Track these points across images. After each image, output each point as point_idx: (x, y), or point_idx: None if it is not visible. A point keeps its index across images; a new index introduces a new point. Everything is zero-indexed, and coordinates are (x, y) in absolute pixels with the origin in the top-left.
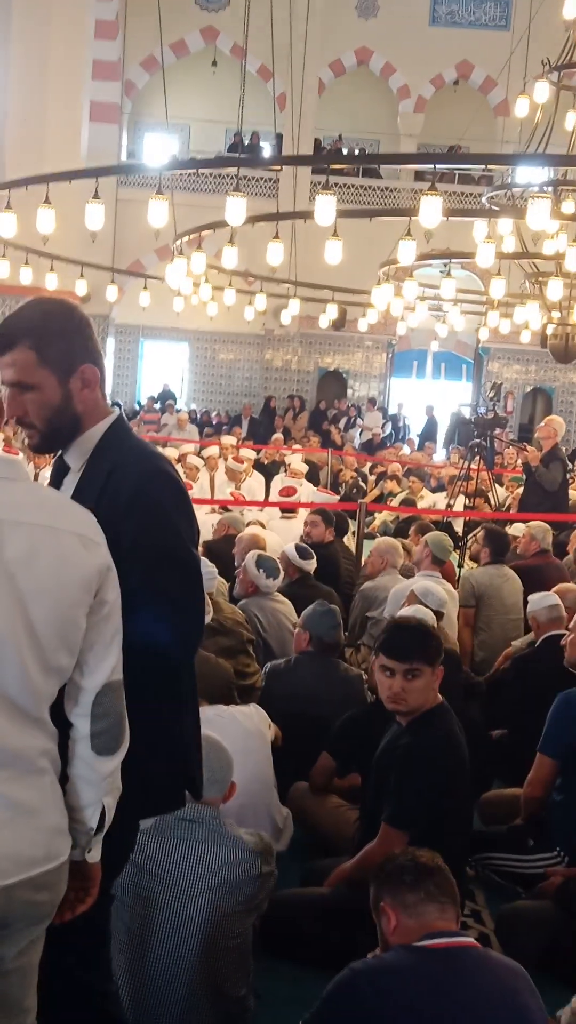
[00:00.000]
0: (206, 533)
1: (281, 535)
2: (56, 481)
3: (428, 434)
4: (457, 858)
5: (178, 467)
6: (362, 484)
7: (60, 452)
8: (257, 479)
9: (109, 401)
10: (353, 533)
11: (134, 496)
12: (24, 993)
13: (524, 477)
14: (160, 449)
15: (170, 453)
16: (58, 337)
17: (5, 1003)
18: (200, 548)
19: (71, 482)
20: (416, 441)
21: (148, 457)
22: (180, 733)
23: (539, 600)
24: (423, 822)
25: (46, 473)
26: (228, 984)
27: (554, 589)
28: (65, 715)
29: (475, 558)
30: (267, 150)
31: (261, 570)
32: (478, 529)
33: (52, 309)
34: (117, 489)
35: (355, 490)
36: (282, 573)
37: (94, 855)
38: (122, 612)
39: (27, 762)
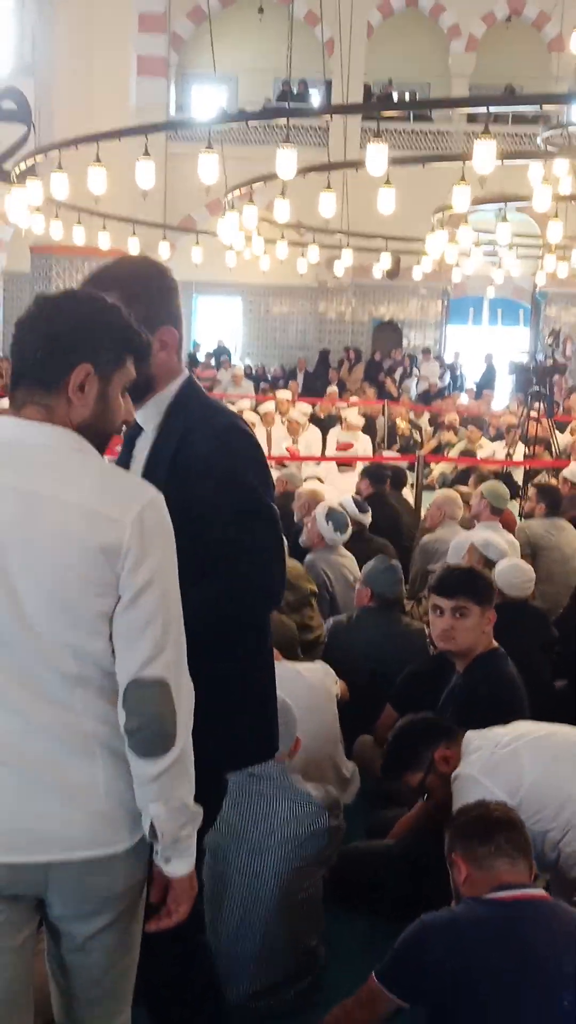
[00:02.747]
0: None
1: (338, 489)
2: (130, 442)
3: (487, 382)
4: None
5: None
6: (416, 436)
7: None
8: (314, 433)
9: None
10: (411, 486)
11: (210, 453)
12: (105, 975)
13: None
14: None
15: None
16: (142, 298)
17: (87, 979)
18: None
19: (145, 443)
20: (475, 390)
21: (220, 413)
22: (264, 685)
23: None
24: None
25: None
26: (300, 936)
27: None
28: None
29: (529, 515)
30: (316, 97)
31: (330, 523)
32: (530, 485)
33: (140, 270)
34: (192, 447)
35: (412, 442)
36: (350, 528)
37: (171, 868)
38: (204, 567)
39: (61, 742)
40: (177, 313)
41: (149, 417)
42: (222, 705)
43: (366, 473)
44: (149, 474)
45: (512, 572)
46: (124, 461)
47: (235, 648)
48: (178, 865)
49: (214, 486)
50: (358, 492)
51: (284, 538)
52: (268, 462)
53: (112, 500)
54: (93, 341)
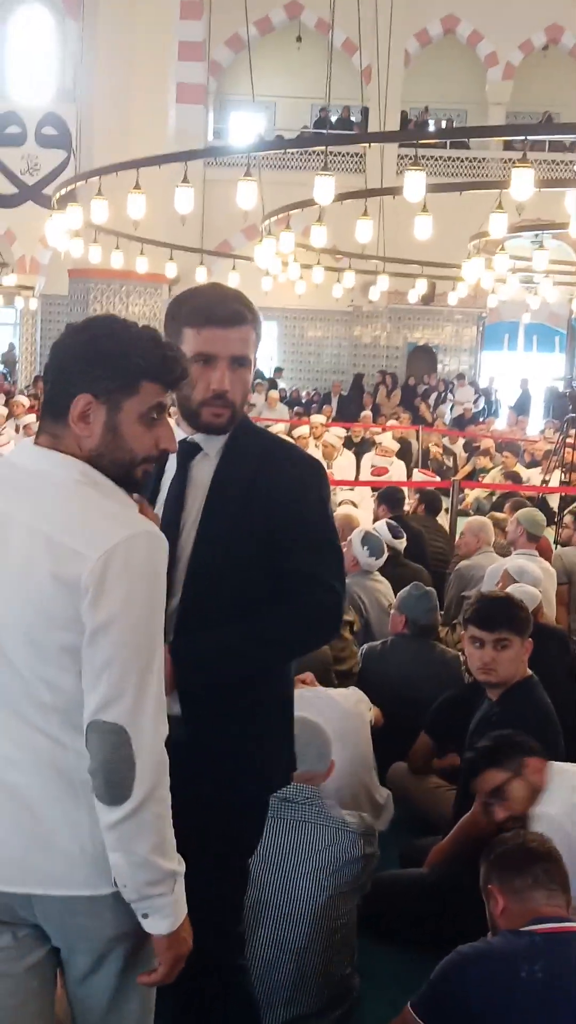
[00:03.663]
0: None
1: (372, 514)
2: (184, 463)
3: (522, 408)
4: None
5: None
6: (448, 462)
7: (187, 438)
8: (347, 457)
9: None
10: (446, 511)
11: (302, 480)
12: (107, 1015)
13: None
14: None
15: None
16: (260, 328)
17: (90, 1016)
18: None
19: (206, 464)
20: (514, 415)
21: (292, 446)
22: (291, 708)
23: None
24: None
25: None
26: (334, 965)
27: None
28: None
29: (566, 543)
30: (354, 123)
31: (366, 547)
32: (566, 512)
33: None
34: (280, 472)
35: (444, 467)
36: (385, 553)
37: (149, 925)
38: (270, 595)
39: (54, 776)
40: None
41: (210, 441)
42: (275, 729)
43: (382, 498)
44: (216, 496)
45: (517, 595)
46: (181, 481)
47: (287, 672)
48: (156, 922)
49: (296, 514)
50: (376, 517)
51: None
52: None
53: (85, 534)
54: (90, 371)
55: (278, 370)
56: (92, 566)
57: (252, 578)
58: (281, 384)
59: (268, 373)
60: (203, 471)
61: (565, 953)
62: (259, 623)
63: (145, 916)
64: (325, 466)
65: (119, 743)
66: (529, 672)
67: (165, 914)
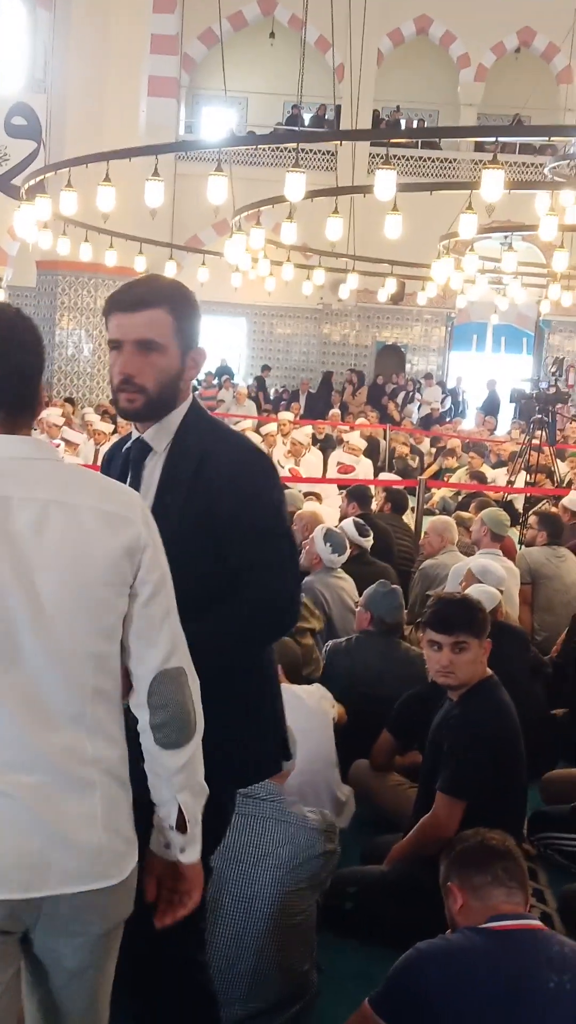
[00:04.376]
0: None
1: (338, 511)
2: (137, 463)
3: (489, 409)
4: (513, 832)
5: None
6: (412, 462)
7: (133, 435)
8: (315, 455)
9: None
10: (412, 510)
11: (235, 472)
12: (88, 1011)
13: None
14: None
15: None
16: (191, 313)
17: (69, 1016)
18: None
19: (155, 463)
20: (481, 415)
21: (238, 439)
22: (273, 703)
23: None
24: (477, 792)
25: (105, 449)
26: (293, 960)
27: None
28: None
29: (530, 543)
30: (326, 121)
31: (328, 544)
32: (530, 513)
33: (184, 288)
34: (215, 468)
35: (411, 468)
36: (348, 550)
37: (188, 856)
38: (227, 588)
39: (62, 771)
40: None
41: (160, 436)
42: (237, 723)
43: (351, 496)
44: (163, 495)
45: (478, 596)
46: (134, 484)
47: (252, 666)
48: (192, 851)
49: (238, 504)
50: (344, 514)
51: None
52: None
53: (118, 500)
54: (41, 364)
55: (265, 368)
56: (140, 527)
57: (205, 573)
58: (250, 381)
59: (241, 370)
60: (154, 470)
61: (523, 949)
62: (210, 619)
63: (183, 850)
64: (271, 457)
65: (183, 685)
66: (489, 672)
67: (199, 839)
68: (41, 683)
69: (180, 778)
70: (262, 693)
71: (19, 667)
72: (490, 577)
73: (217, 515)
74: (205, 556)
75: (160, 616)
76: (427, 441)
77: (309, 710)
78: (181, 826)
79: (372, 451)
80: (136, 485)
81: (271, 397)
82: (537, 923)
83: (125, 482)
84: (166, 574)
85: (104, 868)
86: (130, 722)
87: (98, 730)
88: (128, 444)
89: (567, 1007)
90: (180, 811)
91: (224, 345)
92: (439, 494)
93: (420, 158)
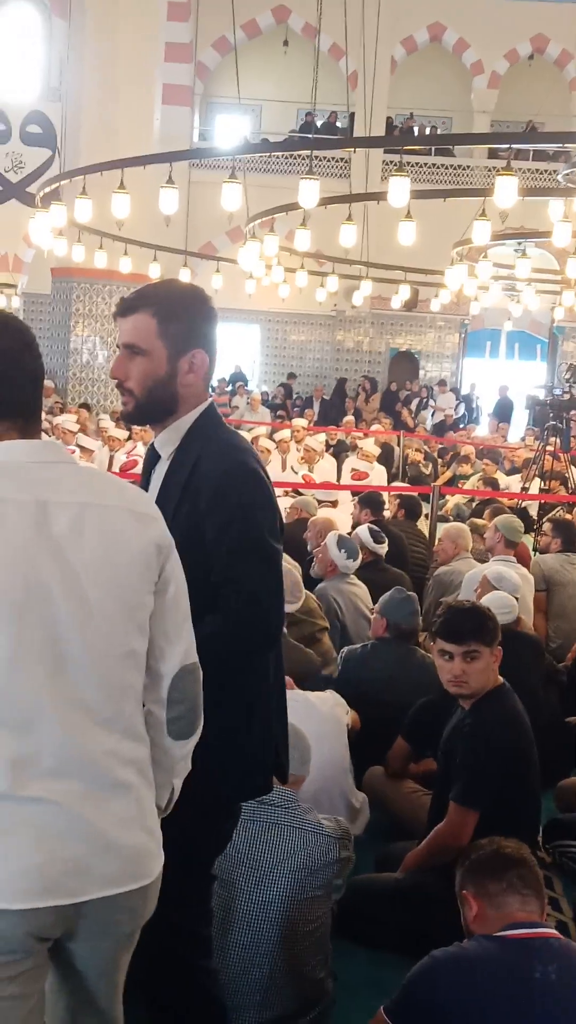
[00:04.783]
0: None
1: (353, 518)
2: (147, 469)
3: (501, 415)
4: (528, 840)
5: None
6: (424, 469)
7: (152, 443)
8: (329, 461)
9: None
10: (426, 516)
11: (216, 490)
12: (110, 1007)
13: None
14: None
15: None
16: (180, 315)
17: (89, 1014)
18: None
19: (161, 469)
20: (495, 422)
21: (232, 451)
22: (266, 719)
23: None
24: (490, 801)
25: (120, 456)
26: (307, 967)
27: None
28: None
29: (544, 550)
30: (340, 128)
31: (343, 551)
32: (545, 520)
33: (182, 290)
34: (201, 482)
35: (424, 475)
36: (360, 555)
37: None
38: (206, 603)
39: (101, 774)
40: (211, 339)
41: (167, 443)
42: (228, 736)
43: (364, 502)
44: (161, 501)
45: (495, 603)
46: (143, 488)
47: (232, 683)
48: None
49: (218, 519)
50: (357, 521)
51: (298, 569)
52: (283, 489)
53: (141, 500)
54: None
55: (291, 375)
56: (163, 526)
57: (196, 584)
58: (264, 388)
59: (255, 376)
60: (158, 476)
61: (538, 958)
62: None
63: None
64: (265, 474)
65: (199, 679)
66: (501, 680)
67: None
68: (84, 686)
69: (181, 765)
70: (251, 713)
71: (65, 672)
72: (506, 584)
73: (202, 527)
74: (195, 566)
75: (184, 612)
76: (437, 448)
77: (323, 717)
78: (165, 809)
79: (386, 458)
80: (145, 491)
81: (280, 403)
82: (552, 931)
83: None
84: (183, 572)
85: (140, 868)
86: None
87: (131, 730)
88: None
89: (553, 997)
90: (171, 793)
91: (238, 352)
92: (453, 501)
93: (434, 165)
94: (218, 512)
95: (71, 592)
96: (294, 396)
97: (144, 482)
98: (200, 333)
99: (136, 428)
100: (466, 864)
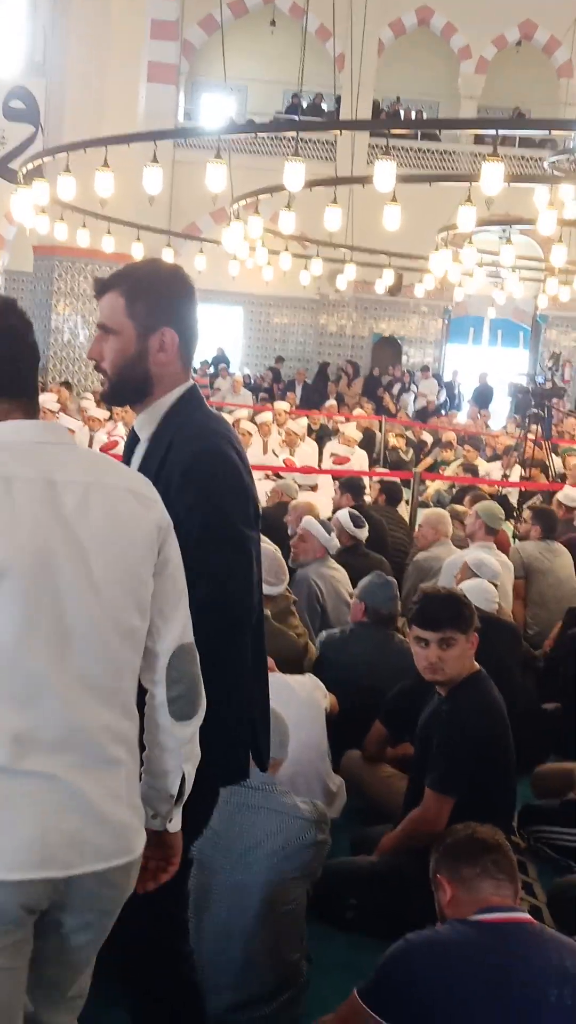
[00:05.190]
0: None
1: (334, 503)
2: (128, 451)
3: (480, 401)
4: (504, 825)
5: None
6: (402, 455)
7: (133, 425)
8: (310, 445)
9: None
10: (407, 502)
11: (183, 473)
12: (83, 975)
13: None
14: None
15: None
16: (149, 293)
17: (64, 982)
18: None
19: (140, 453)
20: (475, 408)
21: (205, 434)
22: (243, 704)
23: None
24: (466, 787)
25: (100, 436)
26: (283, 950)
27: None
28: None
29: (524, 538)
30: (326, 110)
31: (325, 529)
32: (525, 508)
33: (156, 269)
34: (173, 464)
35: (404, 461)
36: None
37: (175, 824)
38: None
39: (96, 748)
40: (187, 318)
41: (145, 424)
42: (213, 721)
43: (345, 487)
44: None
45: (477, 590)
46: None
47: (208, 670)
48: (177, 820)
49: (186, 505)
50: (337, 505)
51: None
52: (264, 472)
53: (139, 481)
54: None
55: (279, 359)
56: (162, 508)
57: None
58: (247, 370)
59: (237, 359)
60: (138, 458)
61: (511, 942)
62: None
63: (171, 819)
64: (237, 461)
65: (196, 658)
66: (477, 666)
67: (181, 808)
68: (88, 662)
69: (188, 748)
70: (224, 701)
71: (70, 647)
72: (486, 571)
73: (173, 510)
74: None
75: (180, 591)
76: (423, 433)
77: (301, 701)
78: (180, 795)
79: (367, 443)
80: None
81: (267, 387)
82: (525, 916)
83: None
84: (180, 553)
85: (127, 843)
86: None
87: (127, 708)
88: None
89: (527, 982)
90: (183, 780)
91: (221, 334)
92: (434, 487)
93: (420, 150)
94: (186, 496)
95: (79, 568)
96: (267, 379)
97: (125, 464)
98: (169, 311)
99: (117, 409)
100: (441, 848)
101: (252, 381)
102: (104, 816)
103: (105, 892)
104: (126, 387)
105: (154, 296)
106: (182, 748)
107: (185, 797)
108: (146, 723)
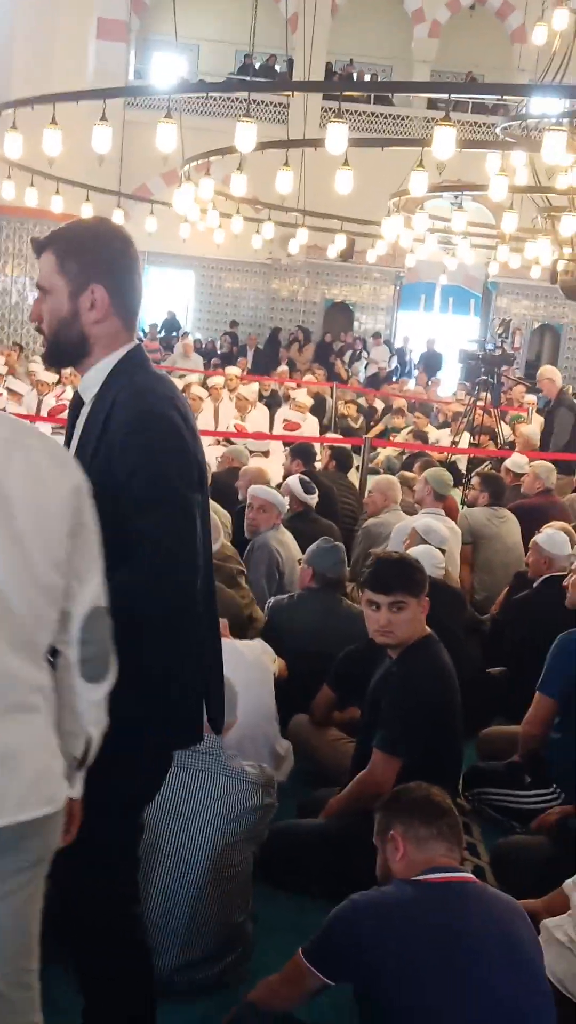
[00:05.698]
0: (210, 466)
1: (284, 469)
2: (73, 414)
3: (428, 368)
4: (449, 787)
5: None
6: (351, 423)
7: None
8: (261, 411)
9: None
10: (357, 468)
11: (125, 435)
12: (14, 940)
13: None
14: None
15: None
16: (80, 251)
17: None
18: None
19: (84, 414)
20: (424, 375)
21: (147, 394)
22: (193, 667)
23: (559, 543)
24: (414, 749)
25: (49, 400)
26: (229, 911)
27: (548, 526)
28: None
29: (472, 504)
30: (278, 73)
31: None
32: (473, 474)
33: (90, 227)
34: (115, 426)
35: (354, 428)
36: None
37: (76, 791)
38: (122, 551)
39: (15, 695)
40: (116, 273)
41: (89, 386)
42: (147, 688)
43: (295, 453)
44: (81, 447)
45: (425, 556)
46: (69, 433)
47: (155, 634)
48: (79, 786)
49: (127, 466)
50: (288, 472)
51: (226, 517)
52: (214, 438)
53: (57, 446)
54: None
55: (234, 323)
56: (80, 472)
57: (107, 534)
58: (198, 335)
59: (188, 322)
60: (81, 422)
61: (456, 900)
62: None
63: (73, 785)
64: (179, 422)
65: (108, 622)
66: (428, 630)
67: (83, 777)
68: (8, 610)
69: (96, 712)
70: (174, 664)
71: (5, 598)
72: (434, 536)
73: (115, 475)
74: (110, 513)
75: (95, 554)
76: (374, 400)
77: (249, 664)
78: (83, 761)
79: (318, 409)
80: (68, 437)
81: (219, 352)
82: (469, 875)
83: None
84: (95, 516)
85: (48, 794)
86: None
87: (40, 660)
88: None
89: (472, 939)
90: (88, 743)
91: (172, 298)
92: (384, 453)
93: (372, 114)
94: (128, 458)
95: (3, 517)
96: (219, 343)
97: (70, 427)
98: (98, 268)
99: (66, 372)
100: (395, 805)
101: (203, 346)
102: (21, 766)
103: (28, 844)
104: (63, 348)
105: (84, 254)
106: (90, 711)
107: (88, 762)
108: (56, 685)
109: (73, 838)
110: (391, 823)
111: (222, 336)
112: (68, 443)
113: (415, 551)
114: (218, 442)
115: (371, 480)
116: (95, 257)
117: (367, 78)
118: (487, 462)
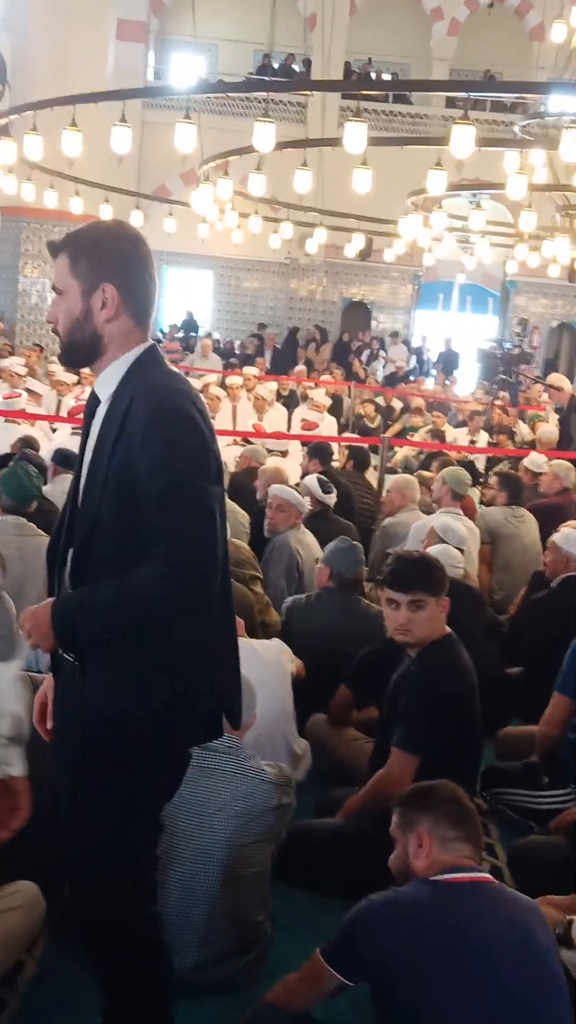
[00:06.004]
0: (228, 465)
1: (302, 468)
2: (89, 414)
3: (445, 367)
4: (467, 786)
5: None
6: (368, 422)
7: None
8: (279, 411)
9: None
10: (375, 467)
11: (145, 431)
12: None
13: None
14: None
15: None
16: (90, 251)
17: None
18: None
19: (101, 413)
20: (442, 374)
21: (164, 392)
22: (209, 664)
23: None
24: (432, 748)
25: (69, 401)
26: (246, 910)
27: (565, 525)
28: None
29: (490, 503)
30: (297, 72)
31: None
32: (491, 473)
33: (103, 227)
34: (134, 424)
35: (371, 427)
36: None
37: (17, 768)
38: (142, 547)
39: None
40: (127, 272)
41: (105, 385)
42: (164, 685)
43: (313, 452)
44: (99, 446)
45: (443, 556)
46: (85, 432)
47: (173, 629)
48: (20, 765)
49: (146, 462)
50: (306, 471)
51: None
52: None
53: None
54: None
55: (262, 326)
56: None
57: (126, 531)
58: (216, 335)
59: (207, 323)
60: (98, 421)
61: (472, 901)
62: (119, 581)
63: (10, 764)
64: (198, 420)
65: (10, 603)
66: (447, 630)
67: (24, 754)
68: None
69: (18, 689)
70: (198, 655)
71: None
72: (452, 536)
73: (135, 470)
74: (132, 511)
75: None
76: (392, 399)
77: (267, 664)
78: (14, 738)
79: (336, 408)
80: (85, 436)
81: (236, 351)
82: (486, 875)
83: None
84: None
85: None
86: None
87: None
88: None
89: (488, 939)
90: (17, 724)
91: (190, 298)
92: (401, 452)
93: (391, 112)
94: (147, 455)
95: None
96: (235, 344)
97: (86, 426)
98: (109, 267)
99: (85, 372)
100: (423, 802)
101: (221, 345)
102: None
103: None
104: (77, 347)
105: (95, 253)
106: (11, 688)
107: (23, 740)
108: None
109: (27, 814)
110: (417, 819)
111: (248, 337)
112: (85, 442)
113: (434, 550)
114: (236, 442)
115: (389, 479)
116: (105, 256)
117: (385, 77)
118: (505, 461)
